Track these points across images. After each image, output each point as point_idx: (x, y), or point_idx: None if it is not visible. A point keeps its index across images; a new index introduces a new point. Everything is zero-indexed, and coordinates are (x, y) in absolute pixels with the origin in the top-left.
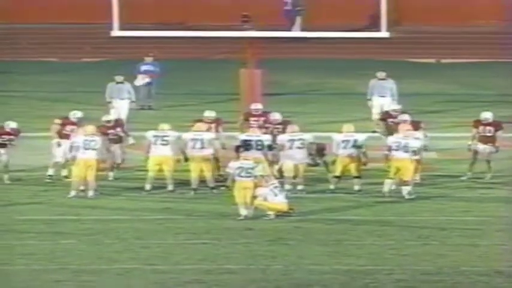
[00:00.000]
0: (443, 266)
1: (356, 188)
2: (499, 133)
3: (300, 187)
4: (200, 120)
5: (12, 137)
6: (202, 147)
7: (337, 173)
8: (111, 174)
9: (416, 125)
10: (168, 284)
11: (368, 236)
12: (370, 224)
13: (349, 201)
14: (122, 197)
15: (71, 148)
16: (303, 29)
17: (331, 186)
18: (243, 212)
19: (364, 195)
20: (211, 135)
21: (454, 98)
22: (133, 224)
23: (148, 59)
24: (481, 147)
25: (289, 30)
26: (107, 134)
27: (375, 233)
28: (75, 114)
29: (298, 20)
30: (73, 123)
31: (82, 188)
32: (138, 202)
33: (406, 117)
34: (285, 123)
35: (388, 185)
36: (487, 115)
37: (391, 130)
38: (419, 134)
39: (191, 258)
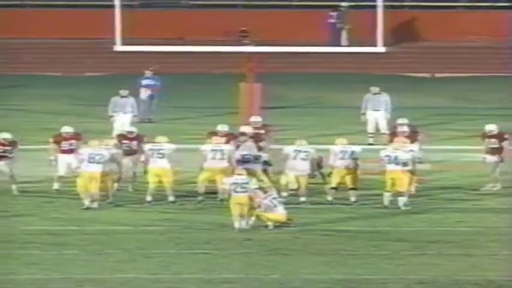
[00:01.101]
0: (438, 276)
1: (352, 199)
2: (505, 143)
3: (302, 198)
4: (215, 133)
5: (7, 147)
6: (222, 158)
7: (334, 185)
8: (115, 185)
9: (413, 137)
10: None
11: (364, 247)
12: (367, 234)
13: (346, 212)
14: (124, 208)
15: (77, 160)
16: (351, 43)
17: (329, 198)
18: (237, 225)
19: (361, 206)
20: (230, 147)
21: (449, 111)
22: (136, 235)
23: (149, 73)
24: (489, 158)
25: (331, 44)
26: (122, 144)
27: (371, 244)
28: (65, 129)
29: (344, 34)
30: (65, 139)
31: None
32: (140, 213)
33: (404, 128)
34: (256, 137)
35: (387, 198)
36: (491, 127)
37: None
38: (414, 146)
39: (192, 268)
